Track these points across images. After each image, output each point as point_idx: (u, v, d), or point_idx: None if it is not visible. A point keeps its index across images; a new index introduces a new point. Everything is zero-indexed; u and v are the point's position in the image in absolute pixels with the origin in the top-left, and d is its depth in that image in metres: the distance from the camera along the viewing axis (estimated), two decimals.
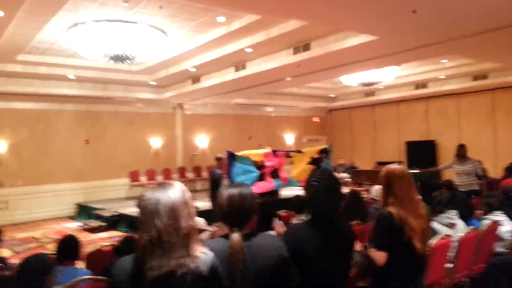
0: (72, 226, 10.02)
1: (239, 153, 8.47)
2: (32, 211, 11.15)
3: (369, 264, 2.35)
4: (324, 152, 10.06)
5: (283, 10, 5.73)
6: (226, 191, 1.82)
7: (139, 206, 1.44)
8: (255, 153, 9.14)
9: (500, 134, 13.46)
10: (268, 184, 8.82)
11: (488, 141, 13.68)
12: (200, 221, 4.43)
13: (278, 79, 10.35)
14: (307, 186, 2.13)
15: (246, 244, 1.71)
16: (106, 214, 9.48)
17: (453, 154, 14.36)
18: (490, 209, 4.67)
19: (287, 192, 11.57)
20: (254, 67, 9.44)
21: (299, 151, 9.82)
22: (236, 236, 1.71)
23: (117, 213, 9.28)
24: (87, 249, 7.37)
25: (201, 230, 4.13)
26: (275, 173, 9.16)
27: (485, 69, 11.98)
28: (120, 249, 3.61)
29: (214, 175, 8.18)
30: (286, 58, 8.68)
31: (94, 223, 9.26)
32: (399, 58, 8.37)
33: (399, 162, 14.50)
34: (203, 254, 1.45)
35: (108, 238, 8.35)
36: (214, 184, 8.18)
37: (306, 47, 8.15)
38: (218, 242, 1.74)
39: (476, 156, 12.89)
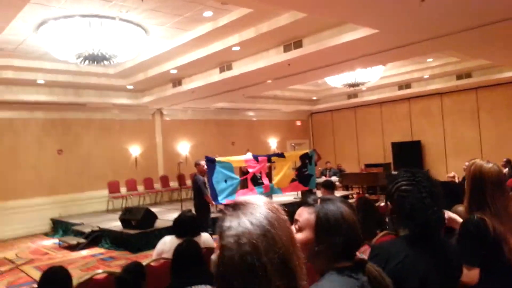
0: (48, 244, 9.12)
1: (219, 159, 7.95)
2: (1, 229, 10.06)
3: None
4: (306, 157, 9.66)
5: (280, 1, 5.25)
6: (333, 208, 1.28)
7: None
8: (236, 160, 8.65)
9: (484, 132, 13.42)
10: (249, 192, 8.33)
11: (473, 140, 13.63)
12: (207, 238, 3.78)
13: (266, 79, 9.84)
14: (393, 192, 1.57)
15: None
16: (85, 229, 8.63)
17: (439, 154, 14.29)
18: None
19: (277, 199, 11.08)
20: (241, 67, 8.89)
21: (281, 154, 9.39)
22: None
23: (97, 228, 8.46)
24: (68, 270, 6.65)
25: (209, 249, 3.51)
26: (255, 180, 8.68)
27: (469, 68, 11.91)
28: (123, 279, 2.96)
29: (197, 182, 7.59)
30: (275, 56, 8.18)
31: (73, 240, 8.41)
32: (394, 55, 7.99)
33: (385, 164, 14.33)
34: None
35: (90, 257, 7.55)
36: (198, 192, 7.57)
37: (298, 44, 7.68)
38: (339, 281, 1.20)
39: (461, 155, 12.97)
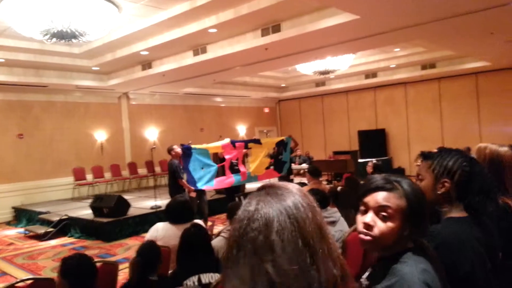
0: (12, 234, 8.61)
1: (195, 146, 7.76)
2: None
3: None
4: (281, 144, 9.65)
5: None
6: (416, 188, 1.24)
7: None
8: (213, 146, 8.47)
9: (445, 121, 13.99)
10: (227, 180, 8.19)
11: (435, 128, 14.18)
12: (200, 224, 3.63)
13: (241, 64, 9.66)
14: (455, 169, 1.48)
15: None
16: (52, 218, 8.14)
17: (403, 142, 14.68)
18: None
19: (252, 186, 11.01)
20: (216, 51, 8.66)
21: (258, 141, 9.31)
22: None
23: (66, 217, 8.02)
24: (39, 260, 6.27)
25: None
26: (232, 167, 8.56)
27: (434, 58, 12.30)
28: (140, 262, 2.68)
29: (172, 166, 7.37)
30: (253, 40, 8.02)
31: (40, 229, 7.93)
32: (369, 42, 8.09)
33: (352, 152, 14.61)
34: None
35: (60, 246, 7.16)
36: (173, 176, 7.37)
37: (276, 28, 7.57)
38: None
39: (424, 143, 13.46)
